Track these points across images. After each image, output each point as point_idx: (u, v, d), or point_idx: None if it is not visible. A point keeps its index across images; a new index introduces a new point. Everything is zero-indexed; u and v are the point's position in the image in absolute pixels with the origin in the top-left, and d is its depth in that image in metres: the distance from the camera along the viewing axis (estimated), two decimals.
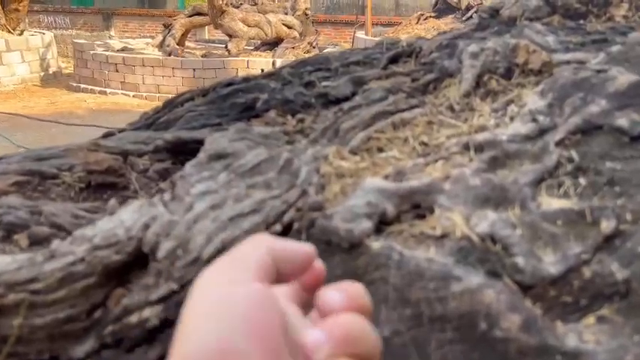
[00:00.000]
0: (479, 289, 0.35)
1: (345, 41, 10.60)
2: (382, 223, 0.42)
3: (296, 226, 0.42)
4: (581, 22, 0.69)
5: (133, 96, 7.21)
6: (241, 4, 8.31)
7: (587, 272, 0.36)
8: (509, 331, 0.33)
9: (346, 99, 0.67)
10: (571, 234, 0.38)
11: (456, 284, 0.35)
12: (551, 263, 0.36)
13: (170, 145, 0.63)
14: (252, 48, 8.64)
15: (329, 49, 8.94)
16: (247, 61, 7.32)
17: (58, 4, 15.02)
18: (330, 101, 0.68)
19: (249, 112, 0.69)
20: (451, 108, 0.60)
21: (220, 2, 7.09)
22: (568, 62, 0.57)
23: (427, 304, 0.35)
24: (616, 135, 0.44)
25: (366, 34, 8.32)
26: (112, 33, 12.77)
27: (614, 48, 0.52)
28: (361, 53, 0.81)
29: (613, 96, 0.45)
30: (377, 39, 8.10)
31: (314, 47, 8.68)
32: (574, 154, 0.43)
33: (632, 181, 0.40)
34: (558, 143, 0.45)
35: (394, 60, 0.77)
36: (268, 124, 0.62)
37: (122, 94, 7.31)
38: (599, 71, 0.49)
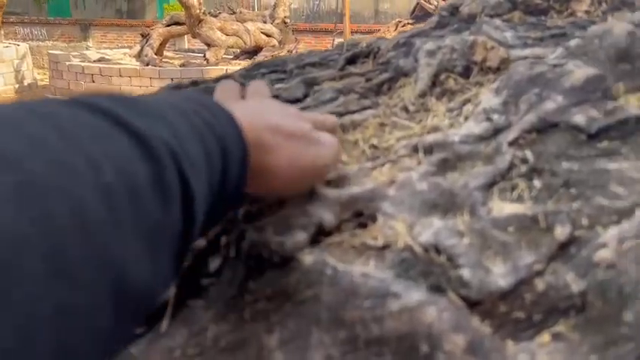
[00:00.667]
0: (419, 307, 0.31)
1: (325, 49, 10.61)
2: (321, 234, 0.38)
3: (224, 240, 0.38)
4: (543, 17, 0.66)
5: None
6: (219, 12, 8.28)
7: (540, 284, 0.32)
8: (452, 354, 0.29)
9: (298, 101, 0.64)
10: (523, 242, 0.34)
11: (393, 302, 0.31)
12: (500, 275, 0.33)
13: None
14: (231, 57, 8.60)
15: None
16: (226, 70, 7.26)
17: (34, 15, 14.83)
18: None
19: None
20: (405, 109, 0.57)
21: (198, 11, 7.05)
22: (526, 58, 0.54)
23: (363, 325, 0.31)
24: (573, 133, 0.40)
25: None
26: (90, 44, 12.65)
27: (573, 42, 0.49)
28: (318, 55, 0.77)
29: (569, 91, 0.42)
30: None
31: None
32: (528, 154, 0.40)
33: (589, 183, 0.36)
34: (512, 143, 0.41)
35: (352, 61, 0.74)
36: None
37: None
38: (555, 66, 0.45)
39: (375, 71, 0.65)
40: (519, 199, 0.38)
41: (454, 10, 0.73)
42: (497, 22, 0.62)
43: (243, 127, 0.34)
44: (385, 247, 0.36)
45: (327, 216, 0.37)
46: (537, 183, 0.38)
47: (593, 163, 0.38)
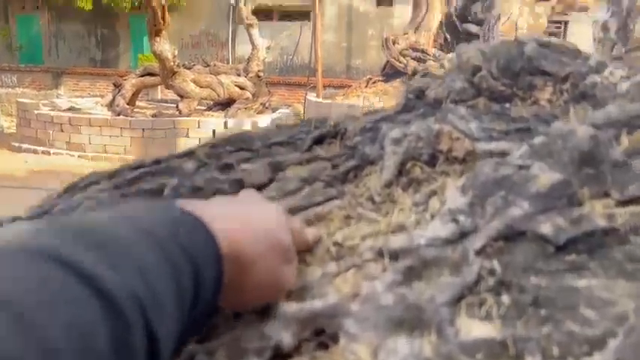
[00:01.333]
0: None
1: (298, 102, 10.80)
2: (279, 356, 0.35)
3: None
4: (507, 105, 0.67)
5: (79, 156, 7.01)
6: (194, 65, 8.38)
7: None
8: None
9: (263, 186, 0.62)
10: None
11: None
12: None
13: None
14: (204, 108, 8.64)
15: (281, 110, 9.05)
16: (199, 121, 7.29)
17: (5, 62, 14.74)
18: (245, 188, 0.62)
19: (156, 200, 0.62)
20: (371, 199, 0.55)
21: (172, 63, 7.12)
22: (491, 153, 0.54)
23: None
24: (540, 243, 0.39)
25: (317, 96, 8.49)
26: (61, 92, 12.57)
27: (537, 140, 0.49)
28: (286, 133, 0.76)
29: (535, 197, 0.41)
30: (327, 101, 8.28)
31: (266, 108, 8.79)
32: (496, 265, 0.39)
33: (558, 303, 0.35)
34: (479, 252, 0.40)
35: (319, 141, 0.73)
36: None
37: (67, 154, 7.10)
38: (520, 167, 0.45)
39: (342, 156, 0.64)
40: (488, 316, 0.36)
41: (420, 94, 0.73)
42: (463, 110, 0.62)
43: (223, 241, 0.33)
44: None
45: (286, 337, 0.35)
46: (506, 299, 0.37)
47: (562, 279, 0.37)
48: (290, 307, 0.37)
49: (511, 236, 0.41)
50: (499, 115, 0.63)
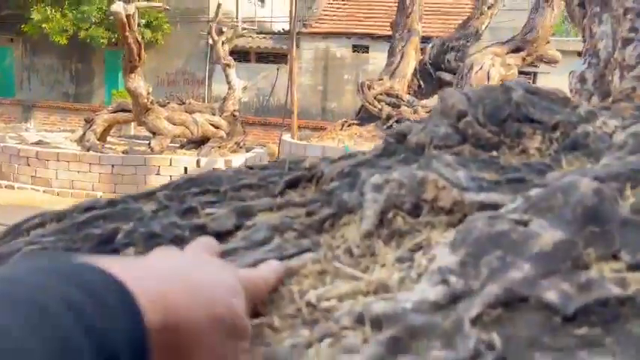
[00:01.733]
0: None
1: (273, 142, 10.80)
2: None
3: None
4: (494, 153, 0.63)
5: (44, 191, 6.80)
6: (168, 102, 8.34)
7: None
8: None
9: (228, 233, 0.56)
10: None
11: None
12: None
13: None
14: (177, 145, 8.56)
15: (256, 149, 9.02)
16: (170, 159, 7.20)
17: None
18: (208, 235, 0.56)
19: (106, 247, 0.55)
20: (350, 252, 0.49)
21: (145, 100, 7.06)
22: (482, 204, 0.49)
23: None
24: (545, 313, 0.34)
25: (293, 136, 8.51)
26: (30, 125, 12.33)
27: (533, 192, 0.44)
28: (257, 174, 0.71)
29: (537, 258, 0.36)
30: (302, 142, 8.31)
31: (241, 147, 8.76)
32: (496, 338, 0.33)
33: None
34: (475, 321, 0.34)
35: (293, 184, 0.67)
36: None
37: (32, 189, 6.88)
38: (517, 222, 0.40)
39: (317, 203, 0.58)
40: None
41: (401, 138, 0.69)
42: (448, 157, 0.58)
43: (152, 315, 0.26)
44: None
45: None
46: None
47: (573, 357, 0.31)
48: None
49: (511, 303, 0.35)
50: (487, 163, 0.59)
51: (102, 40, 13.19)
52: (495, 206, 0.48)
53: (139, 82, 6.86)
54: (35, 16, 12.76)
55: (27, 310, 0.22)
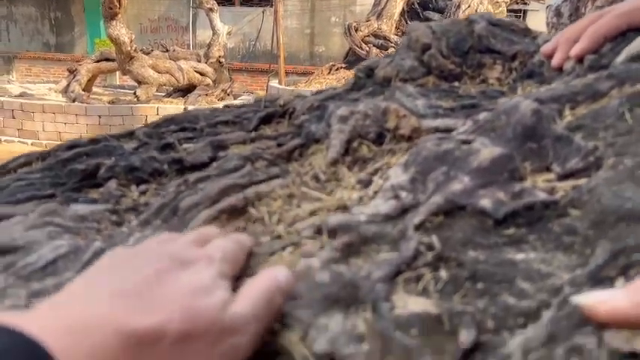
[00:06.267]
0: None
1: (261, 89, 10.68)
2: None
3: None
4: (456, 83, 0.66)
5: (32, 144, 6.75)
6: (152, 50, 8.16)
7: None
8: None
9: (203, 165, 0.59)
10: (427, 347, 0.31)
11: None
12: None
13: None
14: (163, 94, 8.45)
15: (243, 97, 8.94)
16: (157, 108, 7.13)
17: None
18: (185, 168, 0.59)
19: (90, 181, 0.59)
20: (316, 178, 0.53)
21: (129, 48, 6.91)
22: (436, 129, 0.53)
23: None
24: (480, 218, 0.38)
25: (280, 82, 8.42)
26: (13, 77, 12.07)
27: (482, 116, 0.48)
28: (233, 112, 0.74)
29: (476, 172, 0.40)
30: (290, 88, 8.23)
31: (228, 94, 8.65)
32: (435, 240, 0.37)
33: (496, 277, 0.34)
34: (418, 227, 0.39)
35: (267, 120, 0.70)
36: (102, 199, 0.52)
37: (19, 142, 6.83)
38: (463, 142, 0.44)
39: (287, 135, 0.62)
40: (425, 291, 0.35)
41: (370, 72, 0.72)
42: (410, 88, 0.61)
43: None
44: (279, 353, 0.32)
45: None
46: (443, 274, 0.36)
47: (500, 253, 0.36)
48: None
49: (451, 211, 0.40)
50: (447, 92, 0.62)
51: None
52: (448, 130, 0.52)
53: (121, 30, 6.70)
54: None
55: None
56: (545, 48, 0.62)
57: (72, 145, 0.65)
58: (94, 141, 0.66)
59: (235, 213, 0.47)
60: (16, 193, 0.57)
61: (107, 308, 0.25)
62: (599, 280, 0.31)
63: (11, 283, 0.33)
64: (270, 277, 0.33)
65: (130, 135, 0.70)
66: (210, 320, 0.28)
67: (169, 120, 0.74)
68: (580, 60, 0.56)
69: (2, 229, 0.40)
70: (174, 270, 0.30)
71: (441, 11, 8.10)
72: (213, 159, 0.59)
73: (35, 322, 0.24)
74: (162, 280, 0.29)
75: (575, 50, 0.56)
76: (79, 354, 0.23)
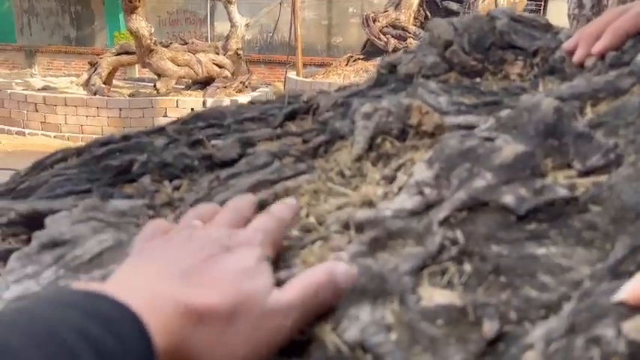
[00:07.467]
0: None
1: (279, 80, 10.70)
2: None
3: None
4: (478, 79, 0.67)
5: (55, 137, 6.87)
6: (171, 43, 8.22)
7: None
8: None
9: (233, 162, 0.61)
10: (452, 337, 0.33)
11: None
12: None
13: (24, 218, 0.55)
14: (183, 87, 8.52)
15: (262, 88, 8.96)
16: (177, 101, 7.19)
17: None
18: (215, 164, 0.62)
19: (124, 177, 0.61)
20: (341, 174, 0.55)
21: (148, 41, 6.97)
22: (459, 126, 0.54)
23: None
24: (502, 213, 0.40)
25: (298, 74, 8.43)
26: (35, 71, 12.26)
27: (504, 113, 0.49)
28: (258, 108, 0.76)
29: (499, 169, 0.42)
30: (308, 79, 8.21)
31: (246, 86, 8.69)
32: (459, 235, 0.39)
33: (517, 270, 0.35)
34: (443, 222, 0.40)
35: (291, 117, 0.72)
36: (138, 194, 0.54)
37: (42, 135, 6.96)
38: (486, 139, 0.45)
39: (313, 132, 0.63)
40: (449, 284, 0.37)
41: (392, 68, 0.73)
42: (433, 85, 0.62)
43: (162, 345, 0.26)
44: (310, 342, 0.34)
45: None
46: (467, 267, 0.37)
47: (522, 248, 0.37)
48: None
49: (474, 207, 0.41)
50: (469, 89, 0.63)
51: None
52: (471, 127, 0.53)
53: (141, 23, 6.77)
54: None
55: (47, 344, 0.23)
56: (567, 44, 0.62)
57: (105, 142, 0.68)
58: (126, 137, 0.69)
59: (266, 208, 0.49)
60: (55, 188, 0.60)
61: (175, 286, 0.29)
62: (619, 274, 0.32)
63: (62, 274, 0.36)
64: (324, 271, 0.35)
65: (160, 131, 0.73)
66: (254, 303, 0.30)
67: (196, 116, 0.76)
68: (602, 57, 0.57)
69: (51, 223, 0.42)
70: (222, 255, 0.33)
71: (460, 1, 8.02)
72: (241, 155, 0.61)
73: (122, 295, 0.27)
74: (213, 264, 0.32)
75: (597, 47, 0.57)
76: (157, 328, 0.26)
